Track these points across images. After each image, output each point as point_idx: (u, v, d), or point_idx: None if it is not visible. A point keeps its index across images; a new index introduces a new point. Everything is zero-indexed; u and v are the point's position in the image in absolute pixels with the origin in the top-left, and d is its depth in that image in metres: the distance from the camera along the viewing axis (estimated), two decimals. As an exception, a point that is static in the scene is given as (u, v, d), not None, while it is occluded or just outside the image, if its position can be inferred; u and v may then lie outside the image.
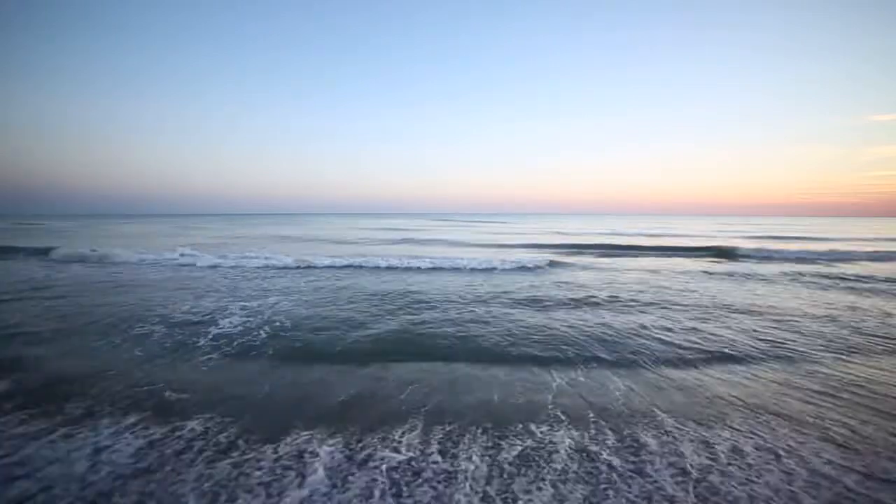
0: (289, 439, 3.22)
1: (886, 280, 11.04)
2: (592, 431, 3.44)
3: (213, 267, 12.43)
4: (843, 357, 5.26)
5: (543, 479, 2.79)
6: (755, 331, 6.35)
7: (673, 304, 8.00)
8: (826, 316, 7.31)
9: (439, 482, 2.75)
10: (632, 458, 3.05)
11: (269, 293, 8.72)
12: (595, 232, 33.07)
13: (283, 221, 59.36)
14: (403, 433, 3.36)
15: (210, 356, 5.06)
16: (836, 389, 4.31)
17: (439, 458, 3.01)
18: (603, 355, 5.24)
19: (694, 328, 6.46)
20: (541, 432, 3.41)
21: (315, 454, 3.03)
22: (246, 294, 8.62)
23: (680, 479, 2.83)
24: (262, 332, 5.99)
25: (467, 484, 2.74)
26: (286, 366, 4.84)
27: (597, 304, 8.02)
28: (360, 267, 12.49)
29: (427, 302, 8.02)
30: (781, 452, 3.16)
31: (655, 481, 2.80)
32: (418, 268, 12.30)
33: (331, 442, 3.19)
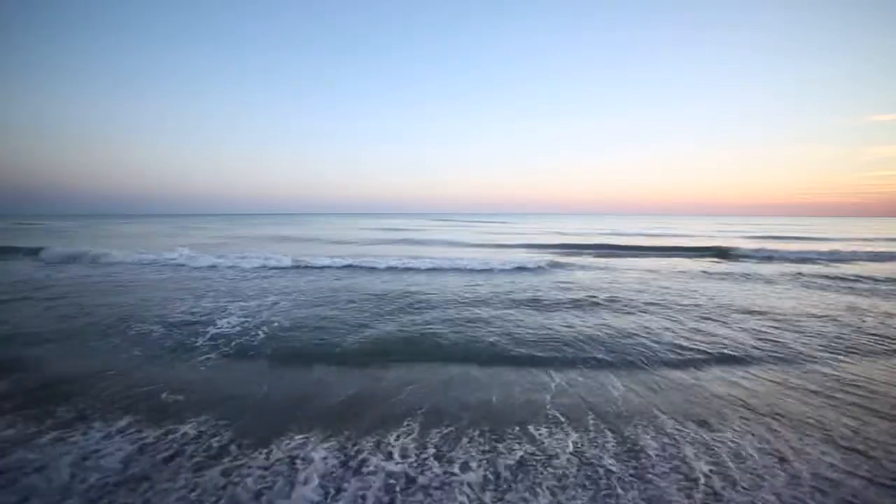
0: (282, 444, 3.16)
1: (886, 280, 11.00)
2: (592, 434, 3.40)
3: (212, 267, 12.37)
4: (844, 358, 5.24)
5: (541, 485, 2.74)
6: (755, 331, 6.31)
7: (673, 305, 7.96)
8: (826, 316, 7.27)
9: (435, 488, 2.70)
10: (632, 463, 3.00)
11: (268, 293, 8.67)
12: (595, 232, 33.03)
13: (284, 221, 59.32)
14: (400, 436, 3.31)
15: (207, 357, 5.02)
16: (837, 390, 4.28)
17: (435, 464, 2.95)
18: (602, 356, 5.20)
19: (694, 328, 6.41)
20: (539, 434, 3.37)
21: (309, 460, 2.96)
22: (244, 294, 8.57)
23: (681, 483, 2.78)
24: (260, 332, 5.94)
25: (464, 491, 2.69)
26: (284, 367, 4.81)
27: (596, 304, 7.98)
28: (360, 267, 12.43)
29: (426, 303, 7.97)
30: (783, 455, 3.13)
31: (656, 486, 2.75)
32: (418, 268, 12.24)
33: (325, 446, 3.13)
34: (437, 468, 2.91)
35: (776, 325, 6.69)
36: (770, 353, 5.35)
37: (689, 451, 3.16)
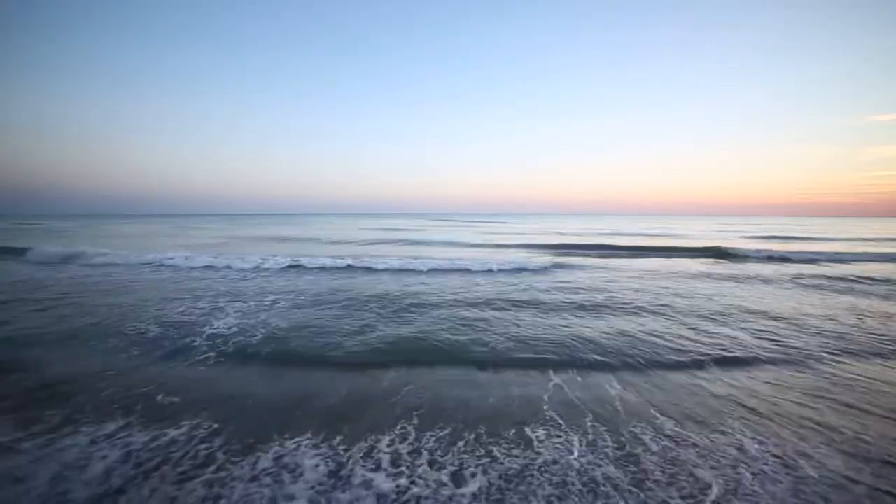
0: (273, 450, 3.07)
1: (886, 281, 10.93)
2: (590, 436, 3.35)
3: (209, 268, 12.30)
4: (844, 358, 5.22)
5: (535, 493, 2.67)
6: (756, 331, 6.26)
7: (672, 305, 7.89)
8: (826, 316, 7.23)
9: (429, 497, 2.63)
10: (631, 468, 2.94)
11: (266, 294, 8.59)
12: (595, 232, 32.95)
13: (283, 221, 59.27)
14: (395, 441, 3.24)
15: (203, 358, 4.96)
16: (837, 391, 4.25)
17: (429, 469, 2.89)
18: (602, 357, 5.14)
19: (694, 329, 6.36)
20: (537, 438, 3.31)
21: (298, 470, 2.85)
22: (243, 295, 8.50)
23: (682, 489, 2.72)
24: (256, 335, 5.87)
25: (461, 498, 2.62)
26: (280, 368, 4.75)
27: (596, 305, 7.91)
28: (359, 268, 12.36)
29: (425, 304, 7.90)
30: (784, 458, 3.08)
31: (656, 493, 2.68)
32: (417, 269, 12.17)
33: (316, 453, 3.05)
34: (432, 475, 2.83)
35: (776, 325, 6.64)
36: (770, 354, 5.32)
37: (688, 453, 3.12)
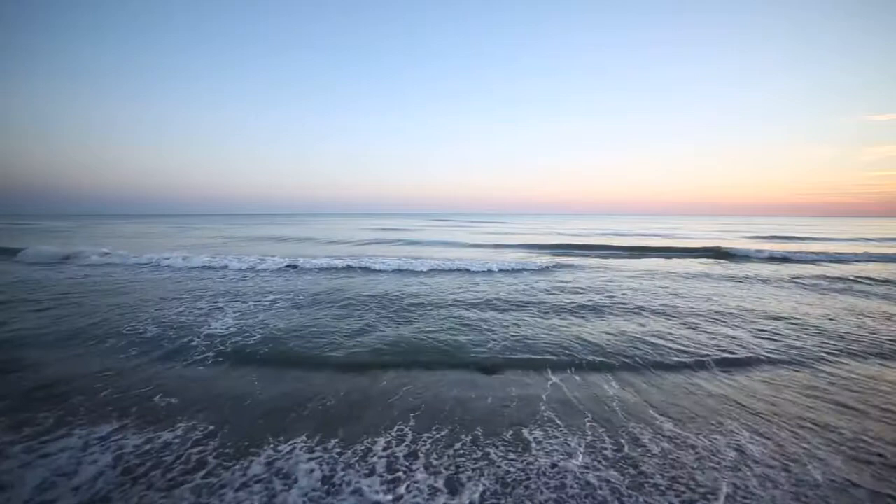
0: (266, 453, 3.03)
1: (886, 281, 10.91)
2: (589, 438, 3.33)
3: (208, 268, 12.26)
4: (844, 359, 5.20)
5: (533, 499, 2.63)
6: (756, 332, 6.22)
7: (672, 306, 7.86)
8: (825, 316, 7.21)
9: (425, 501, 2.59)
10: (630, 471, 2.90)
11: (265, 294, 8.56)
12: (595, 233, 32.90)
13: (283, 221, 59.21)
14: (391, 444, 3.20)
15: (199, 360, 4.91)
16: (837, 392, 4.23)
17: (425, 474, 2.85)
18: (601, 358, 5.11)
19: (693, 329, 6.33)
20: (535, 440, 3.27)
21: (291, 477, 2.78)
22: (240, 295, 8.45)
23: (683, 494, 2.68)
24: (255, 335, 5.84)
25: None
26: (276, 370, 4.70)
27: (595, 305, 7.87)
28: (358, 268, 12.31)
29: (424, 304, 7.86)
30: (784, 460, 3.06)
31: (655, 496, 2.64)
32: (416, 269, 12.12)
33: (310, 457, 3.00)
34: (427, 481, 2.78)
35: (776, 325, 6.61)
36: (770, 354, 5.30)
37: (687, 455, 3.09)
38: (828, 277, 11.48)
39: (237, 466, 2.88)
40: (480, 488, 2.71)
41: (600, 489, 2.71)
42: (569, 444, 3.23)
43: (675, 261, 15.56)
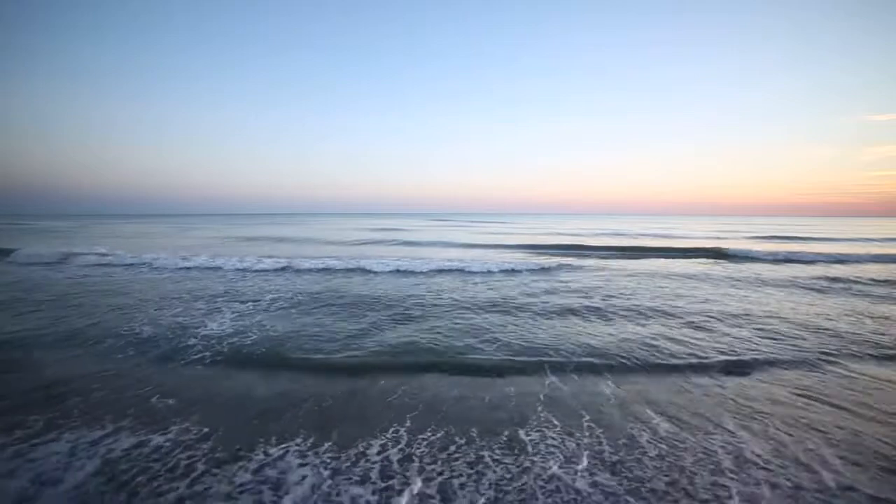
0: (257, 458, 2.97)
1: (886, 282, 10.86)
2: (587, 440, 3.29)
3: (206, 268, 12.22)
4: (844, 359, 5.16)
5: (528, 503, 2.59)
6: (756, 332, 6.19)
7: (671, 306, 7.82)
8: (825, 317, 7.17)
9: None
10: (627, 473, 2.86)
11: (264, 294, 8.53)
12: (595, 233, 32.86)
13: (283, 221, 59.22)
14: (386, 447, 3.15)
15: (197, 361, 4.89)
16: (836, 392, 4.20)
17: (421, 481, 2.80)
18: (599, 359, 5.07)
19: (692, 329, 6.29)
20: (532, 442, 3.24)
21: (284, 482, 2.72)
22: (239, 296, 8.42)
23: (679, 492, 2.64)
24: (252, 336, 5.81)
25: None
26: (274, 372, 4.67)
27: (595, 306, 7.83)
28: (356, 269, 12.26)
29: (423, 305, 7.83)
30: (784, 461, 3.02)
31: (653, 501, 2.60)
32: (415, 270, 12.08)
33: (303, 462, 2.95)
34: (423, 487, 2.72)
35: (775, 325, 6.57)
36: (769, 354, 5.27)
37: (685, 457, 3.06)
38: (828, 277, 11.43)
39: (226, 473, 2.81)
40: (476, 495, 2.66)
41: (597, 493, 2.67)
42: (565, 447, 3.19)
43: (674, 261, 15.52)
